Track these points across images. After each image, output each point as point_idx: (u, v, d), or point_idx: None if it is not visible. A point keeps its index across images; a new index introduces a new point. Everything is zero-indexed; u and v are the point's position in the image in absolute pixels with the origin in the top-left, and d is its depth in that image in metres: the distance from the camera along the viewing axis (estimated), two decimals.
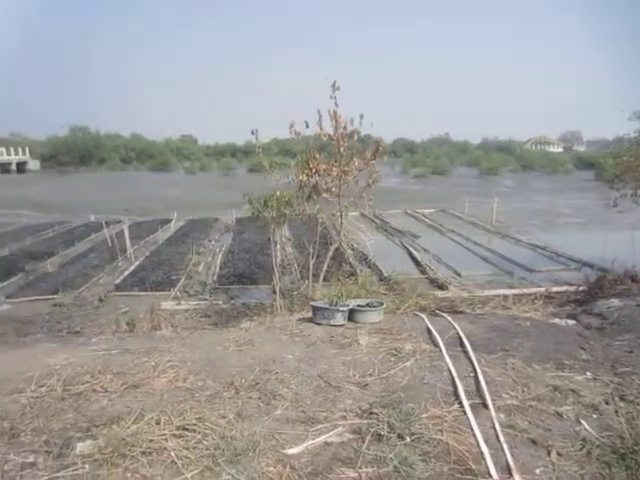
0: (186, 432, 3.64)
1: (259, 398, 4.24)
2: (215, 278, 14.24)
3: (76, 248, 19.99)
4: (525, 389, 4.35)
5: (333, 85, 8.05)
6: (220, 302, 11.49)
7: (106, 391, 4.47)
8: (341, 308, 6.35)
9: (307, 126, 8.54)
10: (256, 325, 7.07)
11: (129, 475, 3.21)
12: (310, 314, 7.05)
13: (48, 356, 5.73)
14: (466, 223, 24.73)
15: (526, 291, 10.76)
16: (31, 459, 3.44)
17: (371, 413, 3.89)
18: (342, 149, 8.49)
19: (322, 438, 3.59)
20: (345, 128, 8.37)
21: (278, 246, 12.14)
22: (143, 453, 3.40)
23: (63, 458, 3.42)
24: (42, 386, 4.55)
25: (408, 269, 14.03)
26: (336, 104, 8.24)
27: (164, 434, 3.61)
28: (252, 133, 9.23)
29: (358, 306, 6.58)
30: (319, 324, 6.41)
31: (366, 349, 5.42)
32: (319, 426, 3.77)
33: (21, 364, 5.46)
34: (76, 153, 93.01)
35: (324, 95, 8.20)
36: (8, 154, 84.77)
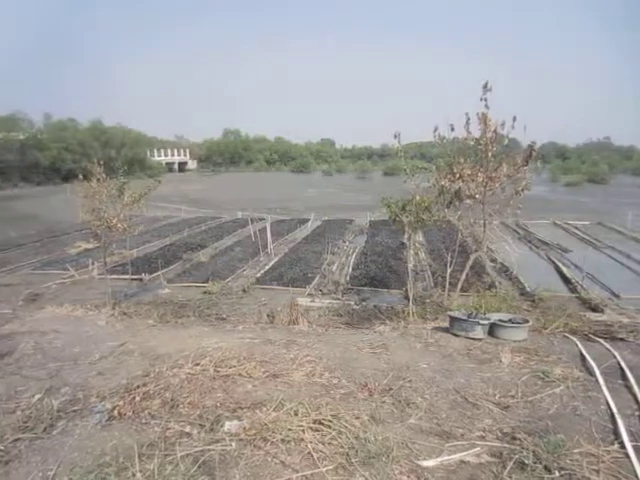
0: (322, 427, 3.76)
1: (393, 404, 4.22)
2: (347, 279, 14.52)
3: (224, 241, 21.95)
4: None
5: (484, 86, 7.66)
6: (352, 302, 11.69)
7: (250, 377, 4.82)
8: (482, 321, 6.01)
9: (452, 129, 8.25)
10: (390, 330, 7.04)
11: (269, 459, 3.41)
12: (445, 324, 6.82)
13: (201, 338, 6.38)
14: (628, 239, 21.76)
15: None
16: (187, 429, 3.85)
17: (513, 438, 3.62)
18: (490, 154, 8.03)
19: (458, 455, 3.44)
20: (495, 131, 7.90)
21: (412, 251, 11.94)
22: (282, 440, 3.60)
23: (214, 433, 3.76)
24: (197, 365, 5.08)
25: (555, 286, 12.81)
26: (486, 106, 7.83)
27: (301, 425, 3.77)
28: (395, 137, 9.19)
29: (500, 321, 6.17)
30: (456, 335, 6.16)
31: (508, 368, 5.06)
32: (455, 442, 3.62)
33: (180, 342, 6.17)
34: (227, 154, 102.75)
35: (474, 99, 7.85)
36: (172, 155, 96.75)
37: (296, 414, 3.95)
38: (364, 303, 11.63)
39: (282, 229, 24.30)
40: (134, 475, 3.18)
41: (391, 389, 4.49)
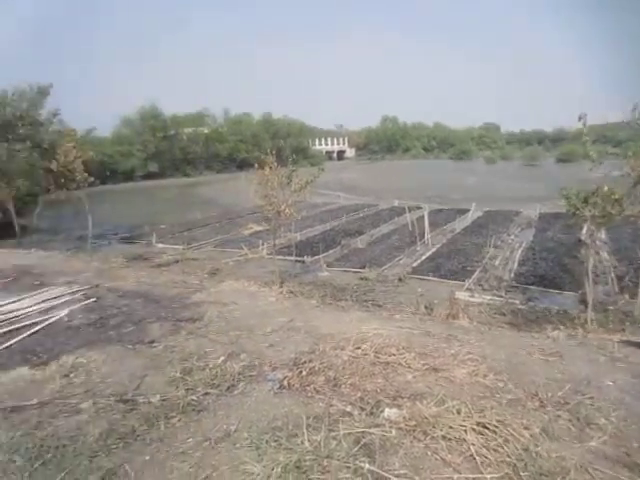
0: (486, 431, 3.57)
1: (569, 420, 3.80)
2: (512, 275, 13.50)
3: (381, 229, 22.15)
4: None
5: None
6: (516, 301, 10.85)
7: (410, 367, 4.79)
8: None
9: None
10: (565, 336, 6.35)
11: (429, 454, 3.36)
12: (636, 337, 5.92)
13: (361, 323, 6.54)
14: None
15: None
16: (349, 409, 4.00)
17: None
18: None
19: None
20: None
21: (592, 250, 10.49)
22: (443, 437, 3.50)
23: (374, 417, 3.84)
24: (358, 348, 5.22)
25: None
26: None
27: (464, 425, 3.62)
28: (579, 119, 8.19)
29: None
30: None
31: None
32: None
33: (341, 325, 6.42)
34: (385, 142, 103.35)
35: None
36: (332, 144, 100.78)
37: (458, 413, 3.81)
38: (531, 303, 10.70)
39: (440, 219, 23.59)
40: (302, 443, 3.42)
41: (567, 403, 4.05)
